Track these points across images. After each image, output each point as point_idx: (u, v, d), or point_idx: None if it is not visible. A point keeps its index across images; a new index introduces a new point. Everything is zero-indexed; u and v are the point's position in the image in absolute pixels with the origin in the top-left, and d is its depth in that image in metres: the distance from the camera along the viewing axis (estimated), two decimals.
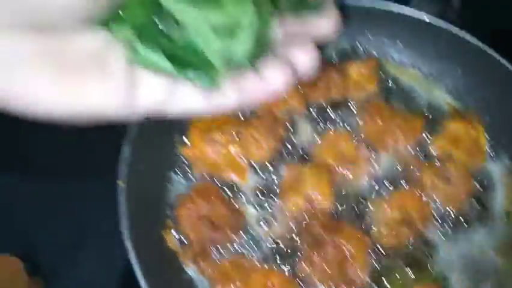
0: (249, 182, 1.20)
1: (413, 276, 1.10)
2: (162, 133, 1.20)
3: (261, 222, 1.15)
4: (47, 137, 1.21)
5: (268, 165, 1.22)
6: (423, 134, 1.26)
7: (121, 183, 1.06)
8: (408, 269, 1.10)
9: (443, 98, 1.34)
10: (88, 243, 1.28)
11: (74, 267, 1.25)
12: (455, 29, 1.25)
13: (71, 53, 0.43)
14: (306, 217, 1.14)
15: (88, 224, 1.30)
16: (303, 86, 1.31)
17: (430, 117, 1.30)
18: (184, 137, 1.23)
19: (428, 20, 1.24)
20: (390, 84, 1.35)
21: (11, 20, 0.39)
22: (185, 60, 0.46)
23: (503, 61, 1.23)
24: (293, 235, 1.12)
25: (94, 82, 0.44)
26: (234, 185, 1.20)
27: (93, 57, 0.44)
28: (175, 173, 1.21)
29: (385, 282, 1.10)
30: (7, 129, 1.09)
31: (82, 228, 1.29)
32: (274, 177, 1.21)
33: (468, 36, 1.23)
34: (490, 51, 1.22)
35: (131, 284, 0.98)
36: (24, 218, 1.29)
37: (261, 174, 1.21)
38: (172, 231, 1.14)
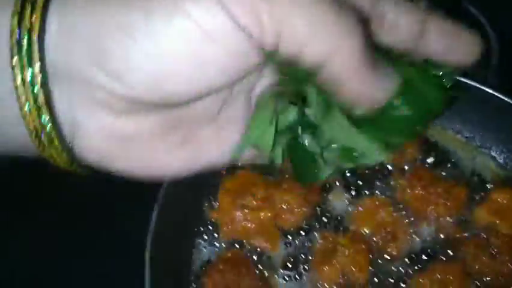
0: (280, 250, 1.13)
1: None
2: (191, 197, 1.15)
3: None
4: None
5: (301, 232, 1.15)
6: (467, 204, 1.17)
7: (147, 254, 1.00)
8: None
9: (487, 165, 1.27)
10: None
11: None
12: (498, 95, 1.20)
13: (190, 119, 0.46)
14: None
15: None
16: None
17: (474, 185, 1.22)
18: (213, 201, 1.18)
19: (472, 84, 1.19)
20: (431, 150, 1.29)
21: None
22: None
23: None
24: None
25: (209, 142, 0.48)
26: (264, 253, 1.14)
27: (209, 118, 0.47)
28: (203, 238, 1.15)
29: None
30: None
31: None
32: (307, 246, 1.14)
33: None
34: None
35: None
36: None
37: (293, 242, 1.14)
38: None
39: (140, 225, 1.02)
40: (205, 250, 1.15)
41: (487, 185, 1.23)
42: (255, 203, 1.16)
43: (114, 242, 1.21)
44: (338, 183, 1.22)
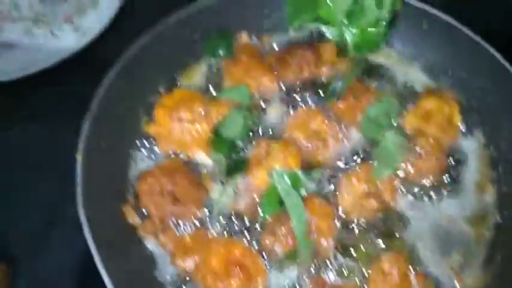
0: (216, 160, 1.16)
1: (382, 246, 1.05)
2: (126, 110, 1.17)
3: (225, 197, 1.11)
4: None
5: (239, 143, 1.18)
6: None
7: (78, 157, 1.02)
8: (377, 240, 1.06)
9: (418, 77, 1.32)
10: (54, 228, 1.24)
11: (40, 253, 1.21)
12: (431, 9, 1.25)
13: None
14: None
15: (56, 209, 1.26)
16: (275, 65, 1.29)
17: (406, 95, 1.27)
18: (149, 115, 1.20)
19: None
20: (364, 64, 1.32)
21: None
22: None
23: (478, 39, 1.21)
24: (257, 208, 1.08)
25: None
26: (200, 163, 1.17)
27: None
28: (139, 150, 1.18)
29: (352, 252, 1.05)
30: None
31: (50, 214, 1.26)
32: (243, 155, 1.17)
33: (444, 16, 1.24)
34: (466, 31, 1.22)
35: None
36: None
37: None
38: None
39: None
40: (142, 162, 1.17)
41: (418, 95, 1.27)
42: (191, 116, 1.18)
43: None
44: (276, 99, 1.25)
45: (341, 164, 1.15)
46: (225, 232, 1.07)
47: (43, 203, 1.27)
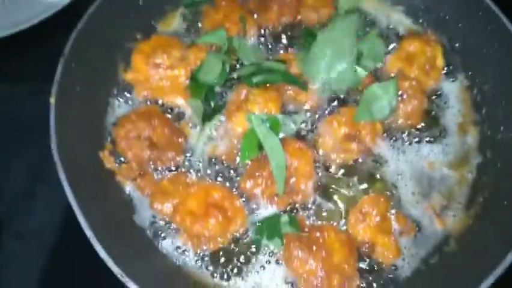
0: (193, 104, 1.14)
1: (362, 187, 1.04)
2: (102, 56, 1.14)
3: (203, 142, 1.09)
4: None
5: (218, 88, 1.16)
6: None
7: (52, 101, 1.00)
8: (357, 182, 1.05)
9: (401, 20, 1.30)
10: (37, 188, 1.22)
11: (24, 213, 1.20)
12: None
13: None
14: None
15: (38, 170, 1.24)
16: (256, 9, 1.26)
17: (388, 38, 1.25)
18: (126, 61, 1.18)
19: None
20: (345, 8, 1.29)
21: None
22: None
23: None
24: (236, 153, 1.07)
25: None
26: (179, 108, 1.15)
27: None
28: (117, 97, 1.15)
29: (332, 195, 1.04)
30: None
31: (32, 175, 1.24)
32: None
33: None
34: None
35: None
36: None
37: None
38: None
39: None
40: (119, 108, 1.15)
41: (399, 38, 1.25)
42: (169, 62, 1.16)
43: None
44: (255, 42, 1.23)
45: (321, 108, 1.12)
46: (204, 176, 1.05)
47: (25, 164, 1.25)
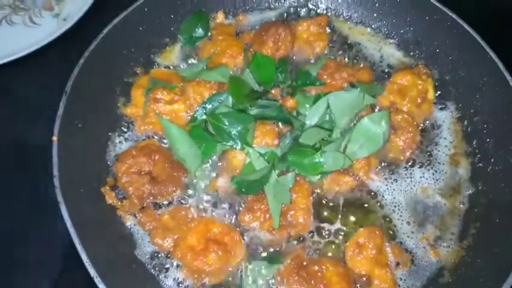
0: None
1: (358, 219, 1.08)
2: (103, 91, 1.17)
3: (203, 177, 1.11)
4: None
5: None
6: None
7: (54, 139, 1.02)
8: (353, 215, 1.08)
9: (393, 53, 1.33)
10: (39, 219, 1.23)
11: (22, 244, 1.20)
12: None
13: None
14: None
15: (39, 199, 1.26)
16: (252, 43, 1.29)
17: (379, 71, 1.28)
18: (126, 95, 1.20)
19: None
20: (340, 42, 1.33)
21: None
22: None
23: (451, 14, 1.23)
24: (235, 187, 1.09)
25: None
26: None
27: None
28: (117, 132, 1.18)
29: (329, 228, 1.07)
30: None
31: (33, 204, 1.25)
32: None
33: None
34: (438, 4, 1.25)
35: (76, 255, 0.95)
36: None
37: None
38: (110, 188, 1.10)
39: None
40: (120, 144, 1.17)
41: (391, 70, 1.29)
42: (168, 96, 1.18)
43: None
44: None
45: None
46: (203, 210, 1.08)
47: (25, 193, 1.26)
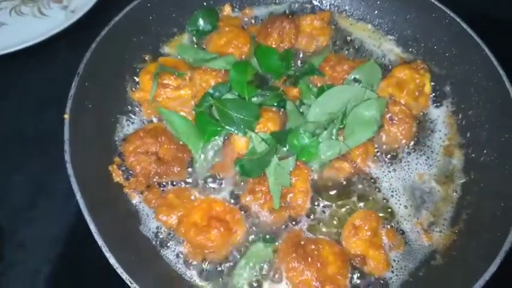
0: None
1: (356, 204, 1.12)
2: (113, 76, 1.21)
3: (207, 159, 1.16)
4: None
5: None
6: None
7: (66, 116, 1.07)
8: (350, 199, 1.12)
9: (392, 49, 1.38)
10: (41, 200, 1.27)
11: (28, 225, 1.24)
12: None
13: None
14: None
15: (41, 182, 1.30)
16: (257, 36, 1.34)
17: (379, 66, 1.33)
18: (134, 81, 1.25)
19: None
20: (342, 37, 1.38)
21: None
22: None
23: (449, 12, 1.28)
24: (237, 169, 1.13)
25: None
26: None
27: None
28: (125, 114, 1.22)
29: (328, 212, 1.12)
30: None
31: (35, 186, 1.29)
32: None
33: None
34: (436, 3, 1.29)
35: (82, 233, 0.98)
36: None
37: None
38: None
39: None
40: (127, 126, 1.21)
41: (391, 65, 1.33)
42: (176, 82, 1.23)
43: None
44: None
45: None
46: (206, 190, 1.12)
47: (28, 176, 1.30)
